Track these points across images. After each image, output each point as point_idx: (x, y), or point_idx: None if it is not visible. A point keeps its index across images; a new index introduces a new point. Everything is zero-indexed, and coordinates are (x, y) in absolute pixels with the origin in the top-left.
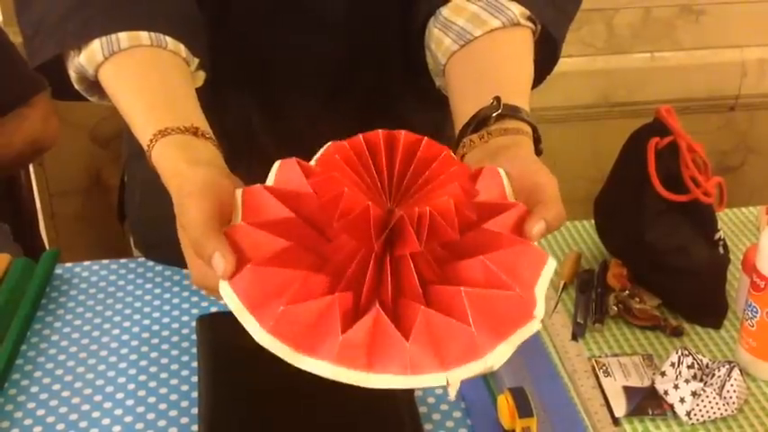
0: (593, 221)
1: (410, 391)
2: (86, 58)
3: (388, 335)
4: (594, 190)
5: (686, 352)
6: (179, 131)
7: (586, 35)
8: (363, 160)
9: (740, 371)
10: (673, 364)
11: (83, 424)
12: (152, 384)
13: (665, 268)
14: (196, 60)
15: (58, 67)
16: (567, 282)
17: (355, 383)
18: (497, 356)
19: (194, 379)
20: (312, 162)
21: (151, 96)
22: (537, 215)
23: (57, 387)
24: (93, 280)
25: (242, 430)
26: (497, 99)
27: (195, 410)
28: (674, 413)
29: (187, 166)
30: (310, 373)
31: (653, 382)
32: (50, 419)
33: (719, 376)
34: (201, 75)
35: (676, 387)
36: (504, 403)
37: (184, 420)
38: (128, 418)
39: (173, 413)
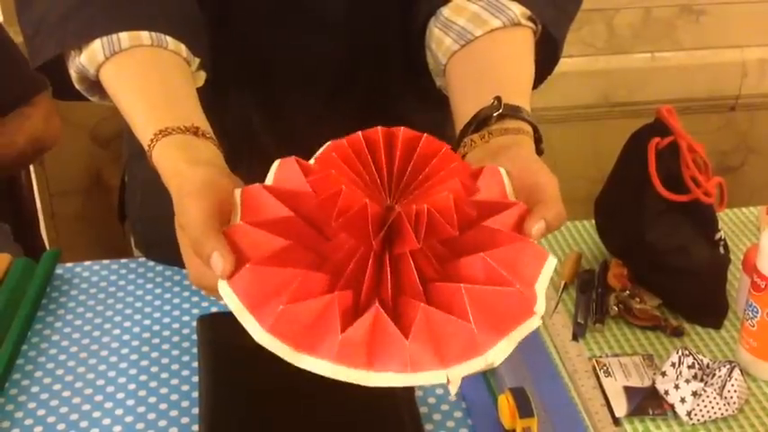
0: (593, 221)
1: (410, 391)
2: (87, 58)
3: (387, 333)
4: (595, 190)
5: (687, 352)
6: (179, 131)
7: (587, 35)
8: (362, 157)
9: (741, 371)
10: (673, 365)
11: (83, 424)
12: (153, 384)
13: (666, 268)
14: (197, 60)
15: (58, 67)
16: (568, 282)
17: (355, 382)
18: (498, 353)
19: (195, 379)
20: (312, 161)
21: (152, 96)
22: (537, 214)
23: (57, 387)
24: (94, 280)
25: (242, 430)
26: (498, 99)
27: (196, 410)
28: (675, 413)
29: (187, 166)
30: (311, 373)
31: (653, 382)
32: (51, 419)
33: (720, 376)
34: (202, 75)
35: (677, 387)
36: (505, 403)
37: (185, 420)
38: (128, 418)
39: (173, 413)
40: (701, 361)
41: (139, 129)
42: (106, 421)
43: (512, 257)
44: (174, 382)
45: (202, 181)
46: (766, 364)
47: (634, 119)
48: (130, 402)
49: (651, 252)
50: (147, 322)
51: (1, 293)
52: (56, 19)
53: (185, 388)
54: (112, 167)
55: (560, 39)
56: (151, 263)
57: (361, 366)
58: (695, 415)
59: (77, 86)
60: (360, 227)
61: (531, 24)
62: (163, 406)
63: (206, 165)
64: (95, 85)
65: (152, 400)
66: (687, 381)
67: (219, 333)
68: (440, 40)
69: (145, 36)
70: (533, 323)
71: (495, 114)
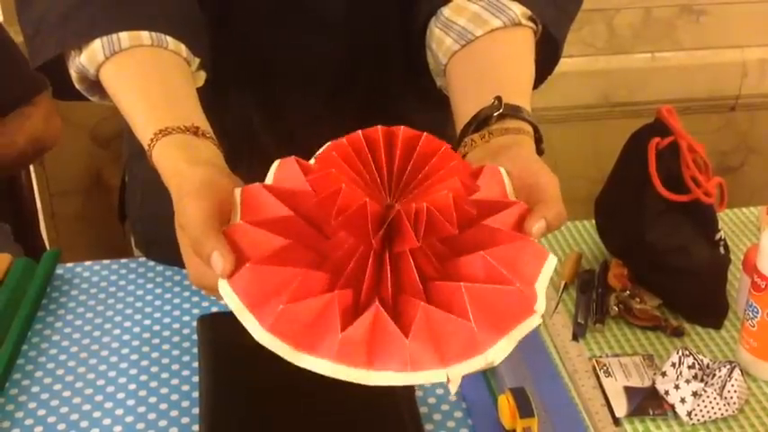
0: (593, 221)
1: (411, 391)
2: (87, 58)
3: (387, 332)
4: (595, 190)
5: (687, 352)
6: (180, 131)
7: (587, 35)
8: (362, 156)
9: (741, 371)
10: (673, 365)
11: (84, 424)
12: (153, 384)
13: (666, 268)
14: (197, 60)
15: (58, 67)
16: (568, 282)
17: (355, 381)
18: (498, 352)
19: (195, 379)
20: (312, 161)
21: (152, 96)
22: (537, 214)
23: (58, 387)
24: (94, 280)
25: (243, 430)
26: (498, 99)
27: (196, 410)
28: (675, 413)
29: (187, 166)
30: (311, 373)
31: (654, 383)
32: (51, 419)
33: (720, 376)
34: (202, 75)
35: (677, 387)
36: (505, 403)
37: (185, 420)
38: (129, 418)
39: (173, 413)
40: (702, 361)
41: (139, 128)
42: (106, 421)
43: (512, 256)
44: (175, 382)
45: (202, 181)
46: (766, 364)
47: (634, 119)
48: (131, 402)
49: (651, 252)
50: (147, 322)
51: (1, 293)
52: (56, 19)
53: (185, 388)
54: (112, 167)
55: (561, 39)
56: (151, 263)
57: (360, 365)
58: (695, 415)
59: (77, 86)
60: (359, 225)
61: (531, 24)
62: (163, 406)
63: (206, 164)
64: (95, 85)
65: (152, 400)
66: (687, 381)
67: (220, 333)
68: (440, 40)
69: (145, 36)
70: (533, 322)
71: (495, 114)
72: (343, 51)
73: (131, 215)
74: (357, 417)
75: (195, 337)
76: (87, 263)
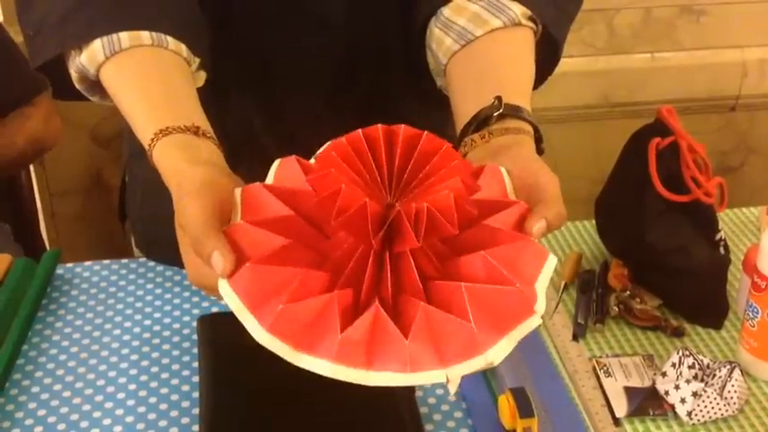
0: (593, 222)
1: (411, 391)
2: (87, 58)
3: (387, 332)
4: (595, 190)
5: (687, 352)
6: (180, 131)
7: (587, 35)
8: (362, 155)
9: (741, 371)
10: (673, 365)
11: (84, 424)
12: (153, 384)
13: (666, 268)
14: (197, 60)
15: (59, 67)
16: (568, 282)
17: (355, 381)
18: (498, 352)
19: (195, 379)
20: (312, 160)
21: (152, 96)
22: (538, 214)
23: (58, 387)
24: (94, 280)
25: (243, 430)
26: (498, 99)
27: (196, 411)
28: (675, 413)
29: (187, 166)
30: (311, 373)
31: (654, 383)
32: (51, 419)
33: (720, 377)
34: (202, 75)
35: (677, 387)
36: (505, 403)
37: (185, 420)
38: (129, 419)
39: (174, 413)
40: (702, 361)
41: (140, 128)
42: (107, 421)
43: (512, 256)
44: (175, 382)
45: (202, 180)
46: (766, 364)
47: (634, 119)
48: (131, 402)
49: (651, 252)
50: (147, 322)
51: (1, 293)
52: (56, 19)
53: (186, 388)
54: (113, 167)
55: (561, 39)
56: (151, 263)
57: (360, 366)
58: (695, 415)
59: (78, 86)
60: (359, 226)
61: (531, 24)
62: (163, 406)
63: (206, 164)
64: (96, 85)
65: (152, 400)
66: (687, 381)
67: (220, 333)
68: (440, 41)
69: (145, 36)
70: (533, 322)
71: (495, 114)
72: (343, 52)
73: (131, 215)
74: (357, 417)
75: (195, 337)
76: (87, 263)
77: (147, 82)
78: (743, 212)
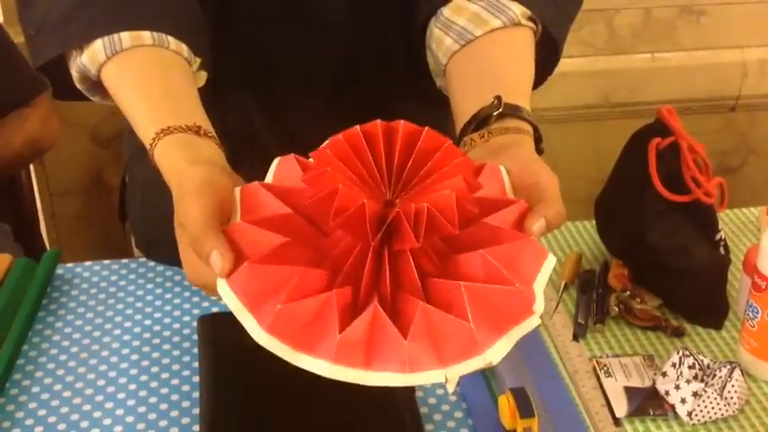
0: (593, 222)
1: (411, 391)
2: (88, 58)
3: (386, 332)
4: (595, 190)
5: (687, 352)
6: (181, 130)
7: (587, 35)
8: (360, 152)
9: (741, 371)
10: (674, 365)
11: (84, 424)
12: (153, 384)
13: (666, 269)
14: (198, 60)
15: (60, 67)
16: (568, 282)
17: (353, 381)
18: (496, 352)
19: (195, 379)
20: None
21: (153, 95)
22: (537, 213)
23: (58, 387)
24: (95, 280)
25: (243, 430)
26: (498, 98)
27: (196, 411)
28: (676, 414)
29: (187, 165)
30: (311, 374)
31: (654, 383)
32: (52, 419)
33: (720, 377)
34: (203, 75)
35: (677, 387)
36: (506, 403)
37: (185, 421)
38: (129, 419)
39: (174, 413)
40: (702, 361)
41: (141, 128)
42: (107, 421)
43: (512, 255)
44: (175, 382)
45: (202, 180)
46: (767, 364)
47: (634, 119)
48: (131, 402)
49: (652, 252)
50: (147, 322)
51: (1, 294)
52: (57, 19)
53: (186, 388)
54: (113, 167)
55: (560, 39)
56: (152, 263)
57: (359, 366)
58: (696, 415)
59: (79, 86)
60: (358, 226)
61: (531, 24)
62: (163, 406)
63: (206, 164)
64: (97, 85)
65: (153, 400)
66: (688, 381)
67: (220, 333)
68: (440, 41)
69: (146, 36)
70: (532, 322)
71: (495, 114)
72: (343, 52)
73: (132, 215)
74: (357, 417)
75: (195, 337)
76: (87, 263)
77: (148, 82)
78: (743, 213)
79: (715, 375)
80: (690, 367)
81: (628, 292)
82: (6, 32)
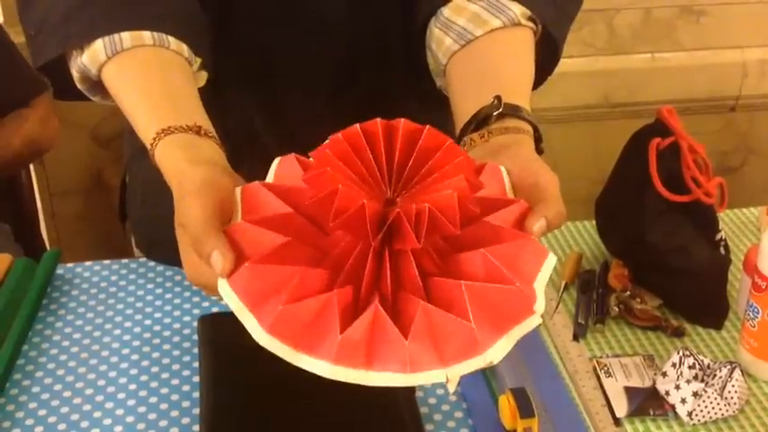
0: (594, 222)
1: (411, 391)
2: (89, 58)
3: (386, 332)
4: (595, 190)
5: (687, 352)
6: (182, 130)
7: (587, 36)
8: (360, 151)
9: (741, 371)
10: (674, 365)
11: (84, 424)
12: (153, 384)
13: (666, 269)
14: (198, 60)
15: (60, 67)
16: (569, 282)
17: (354, 382)
18: (497, 351)
19: (196, 379)
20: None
21: (154, 96)
22: (538, 213)
23: (58, 387)
24: (95, 280)
25: (243, 430)
26: (498, 98)
27: (197, 411)
28: (676, 414)
29: (188, 165)
30: (312, 374)
31: (654, 383)
32: (52, 419)
33: (721, 377)
34: (204, 75)
35: (678, 387)
36: (506, 403)
37: (186, 421)
38: (129, 419)
39: (174, 413)
40: (702, 361)
41: (142, 128)
42: (107, 421)
43: (513, 254)
44: (175, 382)
45: (202, 180)
46: (767, 364)
47: (634, 119)
48: (131, 402)
49: (652, 252)
50: (147, 322)
51: (2, 294)
52: (58, 19)
53: (186, 388)
54: (113, 167)
55: (560, 39)
56: (152, 263)
57: (360, 366)
58: (696, 415)
59: (79, 86)
60: (358, 227)
61: (531, 24)
62: (164, 406)
63: (206, 164)
64: (97, 85)
65: (153, 400)
66: (688, 381)
67: (220, 333)
68: (440, 41)
69: (147, 36)
70: (533, 322)
71: (495, 113)
72: (343, 51)
73: (132, 215)
74: (357, 417)
75: (196, 337)
76: (88, 263)
77: (148, 82)
78: (743, 213)
79: (715, 375)
80: (690, 367)
81: (628, 292)
82: (6, 33)
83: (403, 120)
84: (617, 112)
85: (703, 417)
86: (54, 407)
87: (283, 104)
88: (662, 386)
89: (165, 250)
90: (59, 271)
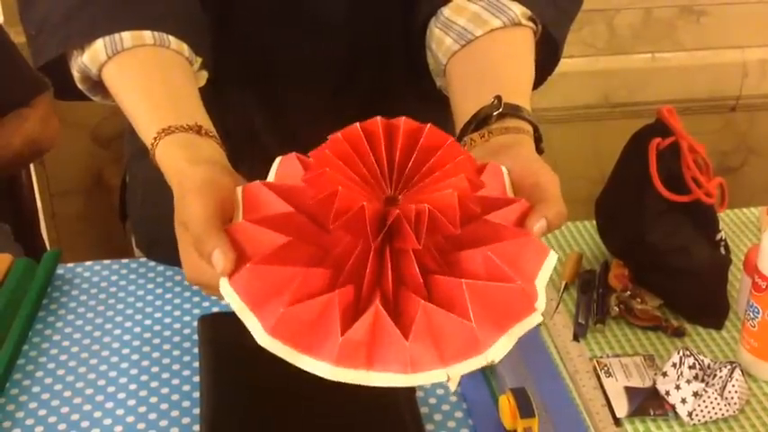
0: (594, 222)
1: (411, 391)
2: (89, 58)
3: (387, 333)
4: (596, 190)
5: (688, 352)
6: (182, 130)
7: (587, 36)
8: (360, 150)
9: (741, 371)
10: (674, 365)
11: (84, 424)
12: (154, 384)
13: (667, 269)
14: (199, 60)
15: (61, 67)
16: (569, 282)
17: (355, 382)
18: (498, 350)
19: (196, 379)
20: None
21: (154, 95)
22: (538, 213)
23: (58, 387)
24: (95, 280)
25: (243, 430)
26: (498, 98)
27: (197, 411)
28: (676, 414)
29: (188, 165)
30: (312, 374)
31: (654, 383)
32: (52, 419)
33: (721, 377)
34: (204, 74)
35: (678, 387)
36: (506, 403)
37: (186, 420)
38: (129, 419)
39: (174, 413)
40: (702, 361)
41: (142, 128)
42: (107, 421)
43: (514, 252)
44: (176, 382)
45: (203, 179)
46: (767, 364)
47: (635, 119)
48: (131, 402)
49: (652, 252)
50: (148, 322)
51: (2, 294)
52: (58, 18)
53: (186, 388)
54: (113, 167)
55: (561, 39)
56: (152, 263)
57: (361, 367)
58: (696, 415)
59: (80, 86)
60: (358, 228)
61: (531, 24)
62: (164, 406)
63: (207, 163)
64: (98, 85)
65: (153, 400)
66: (688, 381)
67: (221, 333)
68: (440, 41)
69: (147, 35)
70: (534, 320)
71: (495, 113)
72: (344, 51)
73: (132, 215)
74: (358, 417)
75: (196, 337)
76: (88, 263)
77: (149, 81)
78: (743, 213)
79: (715, 375)
80: (690, 367)
81: (628, 292)
82: (6, 33)
83: (404, 118)
84: (617, 112)
85: (703, 417)
86: (54, 407)
87: (284, 104)
88: (662, 386)
89: (165, 250)
90: (60, 271)
